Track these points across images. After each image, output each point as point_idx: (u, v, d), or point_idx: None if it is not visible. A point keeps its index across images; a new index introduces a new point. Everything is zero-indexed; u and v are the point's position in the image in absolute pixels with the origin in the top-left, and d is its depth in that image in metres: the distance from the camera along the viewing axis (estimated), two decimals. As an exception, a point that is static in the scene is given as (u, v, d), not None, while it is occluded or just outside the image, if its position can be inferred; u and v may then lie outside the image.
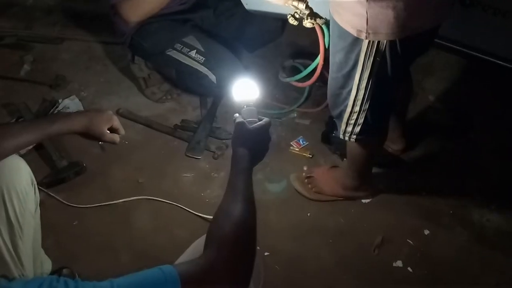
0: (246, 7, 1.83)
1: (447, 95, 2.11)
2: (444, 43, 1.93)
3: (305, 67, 2.02)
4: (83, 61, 2.27)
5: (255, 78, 1.17)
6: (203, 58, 1.94)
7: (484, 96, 2.07)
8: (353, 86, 1.29)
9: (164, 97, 2.12)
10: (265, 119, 1.09)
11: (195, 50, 1.95)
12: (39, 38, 2.36)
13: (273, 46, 2.27)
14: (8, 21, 2.46)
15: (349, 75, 1.29)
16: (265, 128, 1.07)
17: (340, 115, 1.40)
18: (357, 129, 1.40)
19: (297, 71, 2.10)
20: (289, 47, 2.27)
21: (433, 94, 2.11)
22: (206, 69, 1.94)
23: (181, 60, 1.97)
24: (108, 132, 1.24)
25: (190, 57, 1.95)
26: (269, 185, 1.81)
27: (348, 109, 1.35)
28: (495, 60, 1.90)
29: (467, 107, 2.04)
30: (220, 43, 2.01)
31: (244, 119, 1.09)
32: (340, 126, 1.42)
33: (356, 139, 1.43)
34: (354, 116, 1.37)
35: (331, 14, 1.27)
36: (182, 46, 1.97)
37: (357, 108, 1.34)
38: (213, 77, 1.93)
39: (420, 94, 2.08)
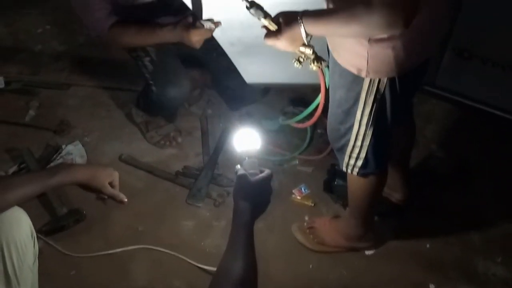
0: (247, 81, 1.87)
1: (448, 143, 2.11)
2: (444, 93, 1.95)
3: (306, 114, 2.04)
4: (88, 106, 2.30)
5: (256, 127, 1.18)
6: (152, 68, 1.92)
7: (485, 145, 2.07)
8: (355, 122, 1.32)
9: (163, 142, 2.12)
10: (267, 171, 1.09)
11: (149, 58, 1.93)
12: (45, 83, 2.40)
13: (274, 93, 2.29)
14: (15, 66, 2.51)
15: (349, 112, 1.32)
16: (266, 181, 1.07)
17: (342, 149, 1.42)
18: (359, 162, 1.41)
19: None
20: (290, 93, 2.30)
21: (435, 143, 2.12)
22: (152, 80, 1.92)
23: (140, 64, 1.95)
24: (108, 186, 1.25)
25: (143, 62, 1.93)
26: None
27: (351, 143, 1.38)
28: (494, 111, 1.92)
29: (468, 156, 2.04)
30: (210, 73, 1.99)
31: (246, 171, 1.09)
32: (343, 159, 1.44)
33: (358, 173, 1.44)
34: (356, 150, 1.39)
35: (331, 53, 1.31)
36: (141, 52, 1.94)
37: (358, 143, 1.37)
38: (154, 89, 1.93)
39: (422, 142, 2.08)
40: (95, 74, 2.44)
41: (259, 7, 1.18)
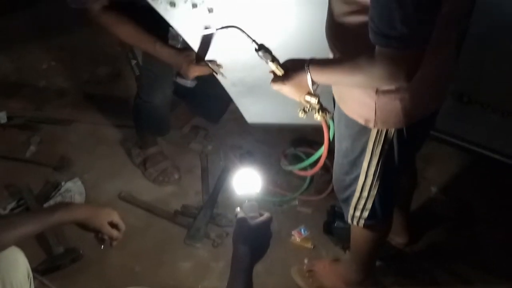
0: (248, 121, 1.87)
1: (449, 186, 2.11)
2: (444, 137, 1.96)
3: (307, 155, 2.05)
4: (89, 143, 2.31)
5: (256, 167, 1.18)
6: (138, 72, 1.86)
7: (485, 188, 2.06)
8: (361, 172, 1.30)
9: (161, 178, 2.11)
10: (266, 215, 1.08)
11: (136, 62, 1.85)
12: (47, 119, 2.41)
13: (275, 132, 2.31)
14: (19, 101, 2.53)
15: (355, 162, 1.30)
16: (266, 225, 1.07)
17: (347, 200, 1.40)
18: (365, 213, 1.39)
19: (299, 159, 2.13)
20: (291, 133, 2.31)
21: (435, 185, 2.11)
22: (137, 85, 1.89)
23: (129, 65, 1.88)
24: (108, 225, 1.24)
25: (131, 65, 1.86)
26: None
27: (357, 194, 1.36)
28: (493, 155, 1.93)
29: (469, 199, 2.03)
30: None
31: (246, 214, 1.08)
32: (348, 211, 1.42)
33: (364, 224, 1.42)
34: (362, 201, 1.37)
35: (337, 103, 1.31)
36: (130, 53, 1.85)
37: (365, 194, 1.35)
38: (141, 95, 1.91)
39: (422, 184, 2.08)
40: (98, 111, 2.46)
41: (267, 51, 1.19)
